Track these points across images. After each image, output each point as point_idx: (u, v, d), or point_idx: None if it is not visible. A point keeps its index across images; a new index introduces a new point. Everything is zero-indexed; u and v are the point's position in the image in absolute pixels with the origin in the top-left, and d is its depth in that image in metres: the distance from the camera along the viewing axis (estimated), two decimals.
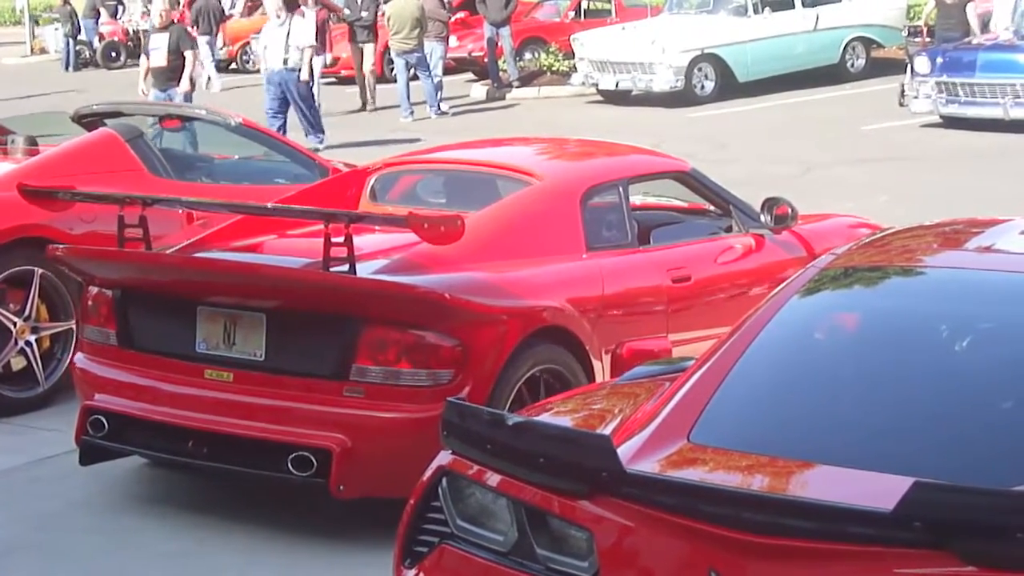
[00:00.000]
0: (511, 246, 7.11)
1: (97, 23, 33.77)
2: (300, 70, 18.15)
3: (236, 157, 10.69)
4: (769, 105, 22.53)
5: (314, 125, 18.71)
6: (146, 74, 17.99)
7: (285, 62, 18.13)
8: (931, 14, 22.65)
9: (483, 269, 6.83)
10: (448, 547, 4.13)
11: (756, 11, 23.89)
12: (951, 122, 19.45)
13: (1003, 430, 4.04)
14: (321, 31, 22.22)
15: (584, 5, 29.36)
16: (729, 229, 8.20)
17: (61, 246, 7.37)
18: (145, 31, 28.09)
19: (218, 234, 7.50)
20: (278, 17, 18.36)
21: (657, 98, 23.04)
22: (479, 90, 25.32)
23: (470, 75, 27.27)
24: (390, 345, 6.37)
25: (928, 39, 22.28)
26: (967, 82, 19.27)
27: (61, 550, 6.63)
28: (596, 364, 7.02)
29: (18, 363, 8.63)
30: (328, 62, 23.50)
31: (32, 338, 8.61)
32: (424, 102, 22.48)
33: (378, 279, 6.55)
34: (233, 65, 30.56)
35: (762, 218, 8.13)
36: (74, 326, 8.69)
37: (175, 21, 18.67)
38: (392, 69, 23.55)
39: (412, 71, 22.46)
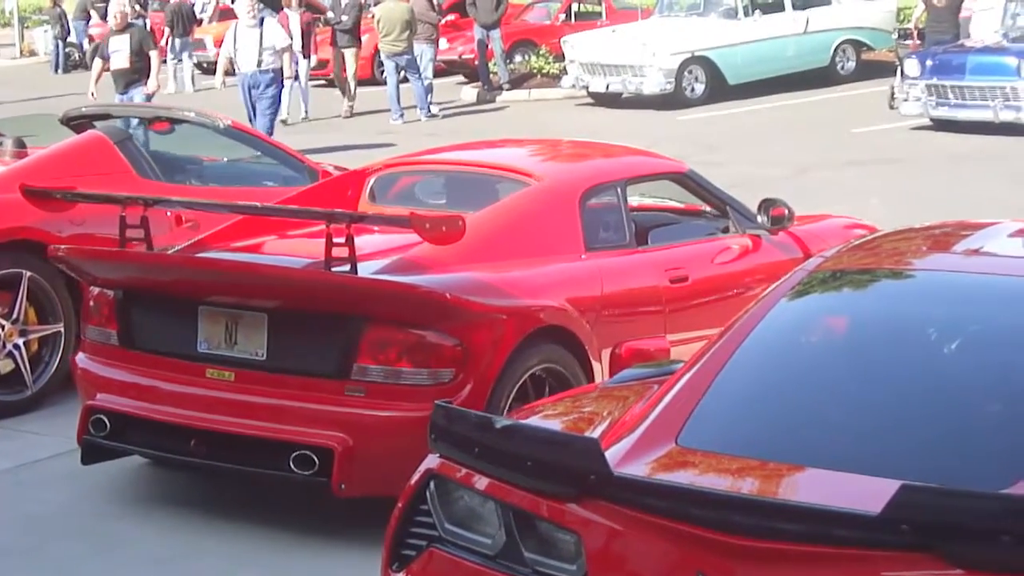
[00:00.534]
0: (510, 246, 7.16)
1: (87, 25, 33.72)
2: (281, 70, 17.99)
3: (225, 159, 10.68)
4: (759, 108, 22.55)
5: (267, 131, 18.42)
6: (98, 77, 17.64)
7: (259, 64, 17.95)
8: (921, 17, 22.68)
9: (483, 269, 6.87)
10: (436, 550, 4.12)
11: (746, 14, 23.91)
12: (941, 125, 19.48)
13: (991, 433, 4.05)
14: (306, 34, 22.21)
15: (574, 7, 29.42)
16: (726, 230, 8.25)
17: (63, 247, 7.39)
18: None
19: (218, 235, 7.54)
20: (252, 18, 18.15)
21: (647, 101, 23.05)
22: (469, 93, 25.33)
23: (460, 77, 27.27)
24: (391, 344, 6.39)
25: (918, 42, 22.31)
26: (957, 85, 19.30)
27: (48, 555, 6.61)
28: (595, 363, 7.06)
29: (6, 366, 8.60)
30: (312, 65, 23.43)
31: (20, 341, 8.58)
32: (415, 105, 22.47)
33: (380, 279, 6.59)
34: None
35: (759, 219, 8.19)
36: (62, 329, 8.69)
37: (132, 23, 18.35)
38: (382, 71, 23.55)
39: (402, 74, 22.44)
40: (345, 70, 23.14)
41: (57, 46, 33.00)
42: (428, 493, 4.18)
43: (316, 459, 6.39)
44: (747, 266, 8.04)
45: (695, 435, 4.11)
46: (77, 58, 33.28)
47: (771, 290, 4.82)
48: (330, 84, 25.82)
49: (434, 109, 22.79)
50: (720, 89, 23.39)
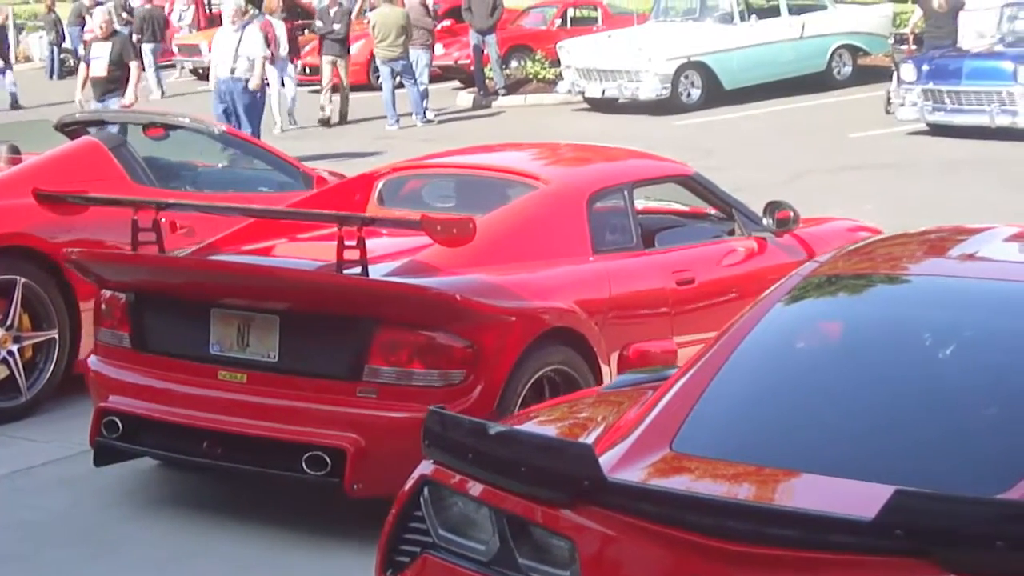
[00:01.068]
0: (519, 249, 7.22)
1: (82, 31, 33.64)
2: (250, 79, 17.80)
3: (220, 165, 10.68)
4: (755, 113, 22.56)
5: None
6: (84, 83, 17.35)
7: (232, 71, 17.80)
8: (918, 22, 22.69)
9: (492, 271, 6.93)
10: (430, 557, 4.12)
11: (742, 19, 23.93)
12: (937, 130, 19.48)
13: (986, 438, 4.04)
14: (292, 40, 22.19)
15: (570, 13, 29.42)
16: (731, 232, 8.32)
17: (76, 250, 7.46)
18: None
19: (228, 238, 7.61)
20: (232, 24, 18.03)
21: (643, 106, 23.05)
22: (465, 98, 25.32)
23: (456, 83, 27.27)
24: (403, 346, 6.44)
25: (914, 47, 22.32)
26: (953, 90, 19.30)
27: (44, 561, 6.60)
28: (603, 364, 7.11)
29: (0, 373, 8.59)
30: (298, 70, 23.37)
31: (14, 348, 8.57)
32: (410, 112, 22.47)
33: (391, 281, 6.65)
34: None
35: (764, 221, 8.26)
36: (57, 335, 8.68)
37: (117, 31, 18.24)
38: (378, 77, 23.53)
39: (398, 79, 22.44)
40: (338, 78, 23.07)
41: (52, 52, 32.99)
42: (422, 499, 4.18)
43: (329, 460, 6.43)
44: (753, 268, 8.06)
45: (689, 440, 4.10)
46: (72, 64, 33.23)
47: (766, 295, 4.81)
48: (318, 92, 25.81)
49: (430, 115, 22.79)
50: (716, 94, 23.40)
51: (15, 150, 9.78)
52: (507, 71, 25.78)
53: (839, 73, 25.00)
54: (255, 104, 17.99)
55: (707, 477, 3.97)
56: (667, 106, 22.90)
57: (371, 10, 23.31)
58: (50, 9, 33.73)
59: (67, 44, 33.53)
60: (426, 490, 4.18)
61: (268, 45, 21.60)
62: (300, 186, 9.84)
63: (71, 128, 10.37)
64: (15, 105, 27.08)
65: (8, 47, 29.92)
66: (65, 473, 7.66)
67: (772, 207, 8.25)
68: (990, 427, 4.07)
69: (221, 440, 6.73)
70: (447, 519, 4.12)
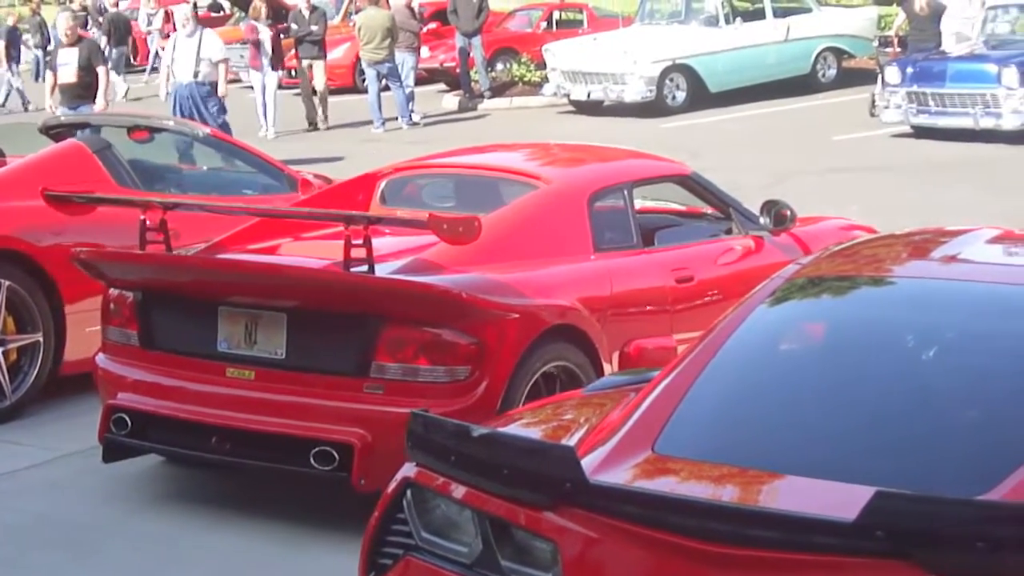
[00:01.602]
0: (522, 247, 7.32)
1: None
2: (216, 84, 17.70)
3: (204, 168, 10.67)
4: (740, 115, 22.57)
5: None
6: (52, 90, 16.97)
7: (195, 75, 17.64)
8: (902, 25, 22.72)
9: (496, 269, 7.02)
10: (413, 559, 4.12)
11: (727, 21, 23.95)
12: (922, 132, 19.50)
13: (967, 439, 4.04)
14: (276, 44, 22.13)
15: (556, 15, 29.41)
16: (729, 231, 8.43)
17: (84, 249, 7.49)
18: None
19: (232, 238, 7.68)
20: (184, 28, 17.85)
21: (629, 108, 23.07)
22: (451, 101, 25.32)
23: (442, 86, 27.26)
24: (409, 343, 6.53)
25: (899, 49, 22.36)
26: (937, 92, 19.33)
27: (27, 564, 6.59)
28: (605, 360, 7.20)
29: None
30: (282, 74, 23.32)
31: None
32: (395, 116, 22.44)
33: (398, 279, 6.74)
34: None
35: (761, 220, 8.36)
36: (41, 339, 8.66)
37: (84, 37, 18.03)
38: (363, 80, 23.49)
39: (383, 82, 22.43)
40: (313, 82, 22.92)
41: (38, 55, 32.89)
42: (405, 501, 4.18)
43: (336, 454, 6.51)
44: (751, 266, 8.12)
45: (672, 442, 4.10)
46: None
47: (748, 297, 4.82)
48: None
49: (415, 117, 22.78)
50: (701, 97, 23.42)
51: None
52: (493, 74, 25.77)
53: (824, 76, 25.03)
54: (219, 108, 17.79)
55: (689, 479, 3.98)
56: (652, 108, 22.91)
57: (357, 12, 23.23)
58: (35, 12, 33.62)
59: (52, 47, 33.43)
60: (409, 492, 4.18)
61: (254, 49, 21.65)
62: (285, 189, 9.85)
63: (56, 131, 10.36)
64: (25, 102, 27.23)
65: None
66: (49, 477, 7.66)
67: (769, 206, 8.36)
68: (971, 428, 4.08)
69: (229, 436, 6.82)
70: (430, 521, 4.12)
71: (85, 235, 8.68)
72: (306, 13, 22.71)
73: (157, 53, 30.75)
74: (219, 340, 6.93)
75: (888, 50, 22.60)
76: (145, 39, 32.72)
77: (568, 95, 23.87)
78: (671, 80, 23.31)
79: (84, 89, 16.24)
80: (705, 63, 23.47)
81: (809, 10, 25.09)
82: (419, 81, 24.24)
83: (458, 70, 25.53)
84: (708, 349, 4.51)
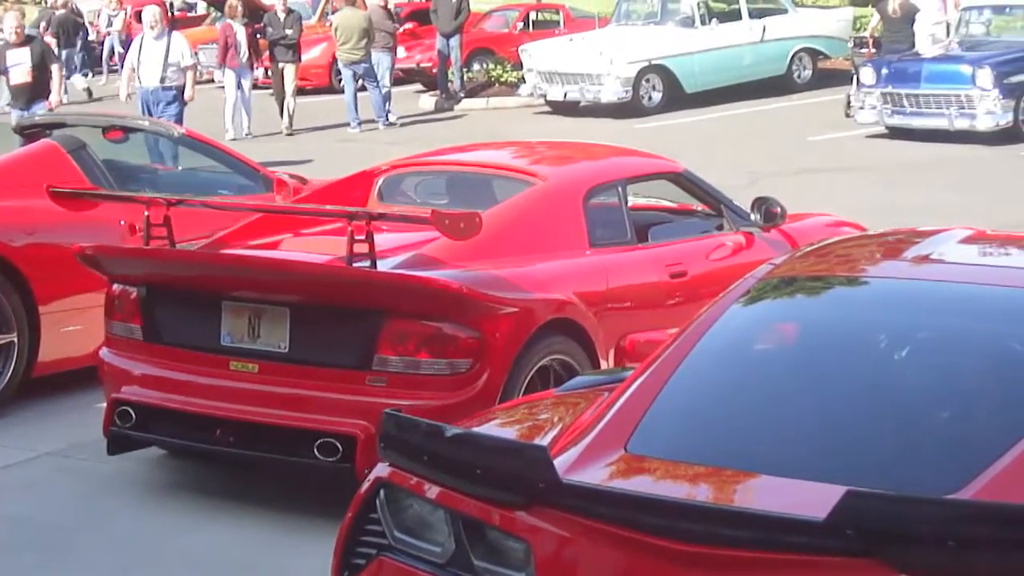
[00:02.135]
0: (519, 243, 7.44)
1: (40, 33, 33.45)
2: (184, 89, 17.52)
3: (179, 168, 10.65)
4: (716, 116, 22.61)
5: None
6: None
7: (163, 80, 17.40)
8: (877, 26, 22.80)
9: (495, 265, 7.13)
10: (386, 559, 4.12)
11: (703, 22, 23.98)
12: (896, 133, 19.57)
13: (939, 439, 4.06)
14: (251, 45, 22.06)
15: (532, 16, 29.43)
16: (720, 228, 8.56)
17: (89, 245, 7.51)
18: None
19: (234, 234, 7.75)
20: (152, 29, 17.58)
21: (605, 109, 23.09)
22: (427, 101, 25.30)
23: (418, 86, 27.25)
24: (410, 336, 6.64)
25: (874, 50, 22.43)
26: (912, 93, 19.40)
27: (4, 566, 6.56)
28: (601, 354, 7.32)
29: None
30: (256, 75, 23.22)
31: None
32: (373, 118, 22.40)
33: (399, 273, 6.86)
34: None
35: (752, 217, 8.50)
36: (15, 339, 8.62)
37: (31, 36, 17.73)
38: (340, 80, 23.46)
39: (360, 82, 22.40)
40: (284, 86, 22.69)
41: None
42: (378, 502, 4.18)
43: (340, 446, 6.61)
44: (742, 261, 8.19)
45: (644, 442, 4.11)
46: None
47: (721, 297, 4.82)
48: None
49: (392, 117, 22.75)
50: (677, 97, 23.45)
51: None
52: (469, 74, 25.77)
53: (799, 76, 25.10)
54: (179, 114, 17.41)
55: (662, 478, 3.98)
56: (628, 109, 22.94)
57: (334, 12, 23.17)
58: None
59: None
60: (382, 492, 4.18)
61: (227, 50, 21.54)
62: (260, 189, 9.85)
63: (30, 131, 10.32)
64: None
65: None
66: (25, 478, 7.64)
67: (760, 203, 8.50)
68: (942, 428, 4.10)
69: (233, 428, 6.90)
70: (403, 521, 4.12)
71: (60, 235, 8.65)
72: (281, 16, 22.61)
73: (113, 50, 30.70)
74: (223, 334, 7.01)
75: (863, 51, 22.69)
76: (102, 40, 32.36)
77: (545, 95, 23.89)
78: (647, 81, 23.34)
79: (40, 86, 16.10)
80: (681, 64, 23.51)
81: (785, 11, 25.16)
82: (395, 81, 24.21)
83: (435, 70, 25.52)
84: (681, 349, 4.51)
